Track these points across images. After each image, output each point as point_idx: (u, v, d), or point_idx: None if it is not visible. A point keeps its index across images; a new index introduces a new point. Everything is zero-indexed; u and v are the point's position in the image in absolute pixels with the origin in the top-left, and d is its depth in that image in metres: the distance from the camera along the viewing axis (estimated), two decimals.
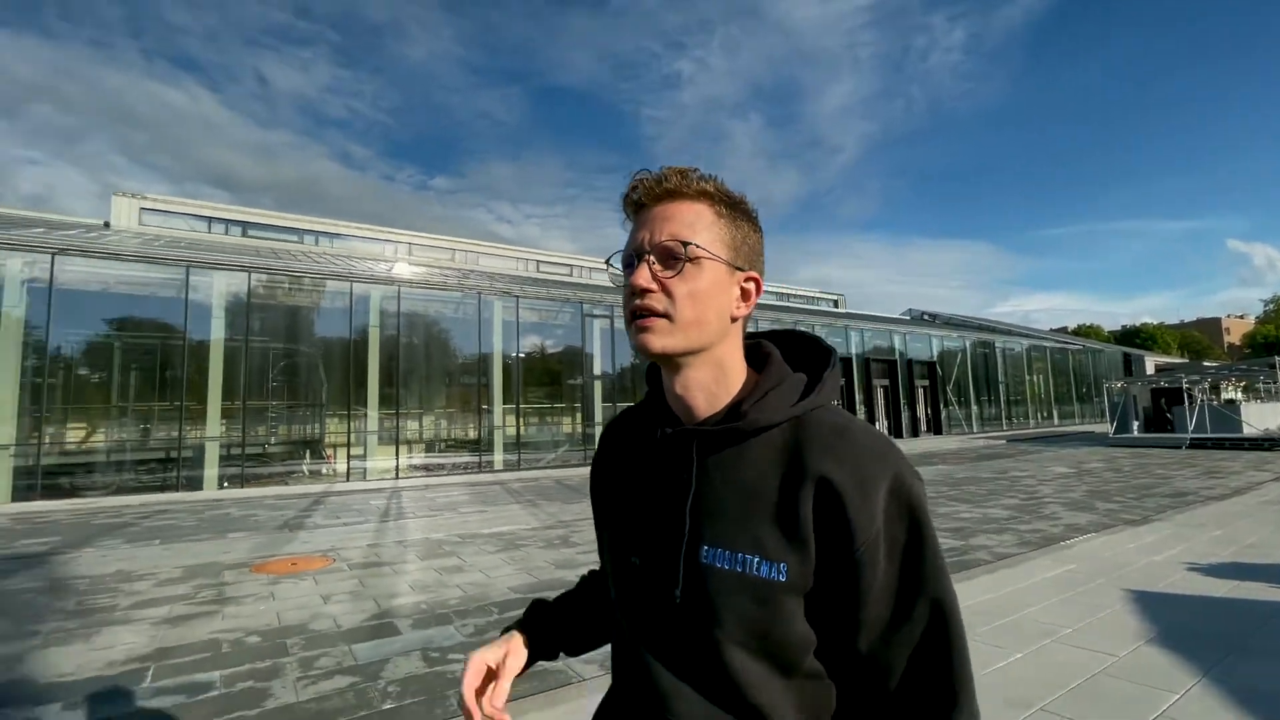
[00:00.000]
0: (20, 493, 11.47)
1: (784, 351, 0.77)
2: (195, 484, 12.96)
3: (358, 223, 27.56)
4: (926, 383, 25.15)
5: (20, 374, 12.06)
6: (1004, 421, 27.74)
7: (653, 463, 0.74)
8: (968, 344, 27.37)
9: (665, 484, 0.72)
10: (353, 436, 14.76)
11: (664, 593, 0.69)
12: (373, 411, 14.91)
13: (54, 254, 12.54)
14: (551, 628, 0.89)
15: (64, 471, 12.71)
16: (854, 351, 22.87)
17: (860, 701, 0.65)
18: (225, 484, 13.22)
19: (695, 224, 0.69)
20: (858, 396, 22.41)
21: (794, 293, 38.10)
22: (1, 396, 11.73)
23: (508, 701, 0.79)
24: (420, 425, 17.10)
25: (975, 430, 26.18)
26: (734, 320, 0.71)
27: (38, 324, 12.42)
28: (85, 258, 12.97)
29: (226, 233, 25.61)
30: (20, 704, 3.01)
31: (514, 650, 0.84)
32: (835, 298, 39.69)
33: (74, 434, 14.03)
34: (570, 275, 29.60)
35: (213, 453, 13.50)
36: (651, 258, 0.68)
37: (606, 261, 0.75)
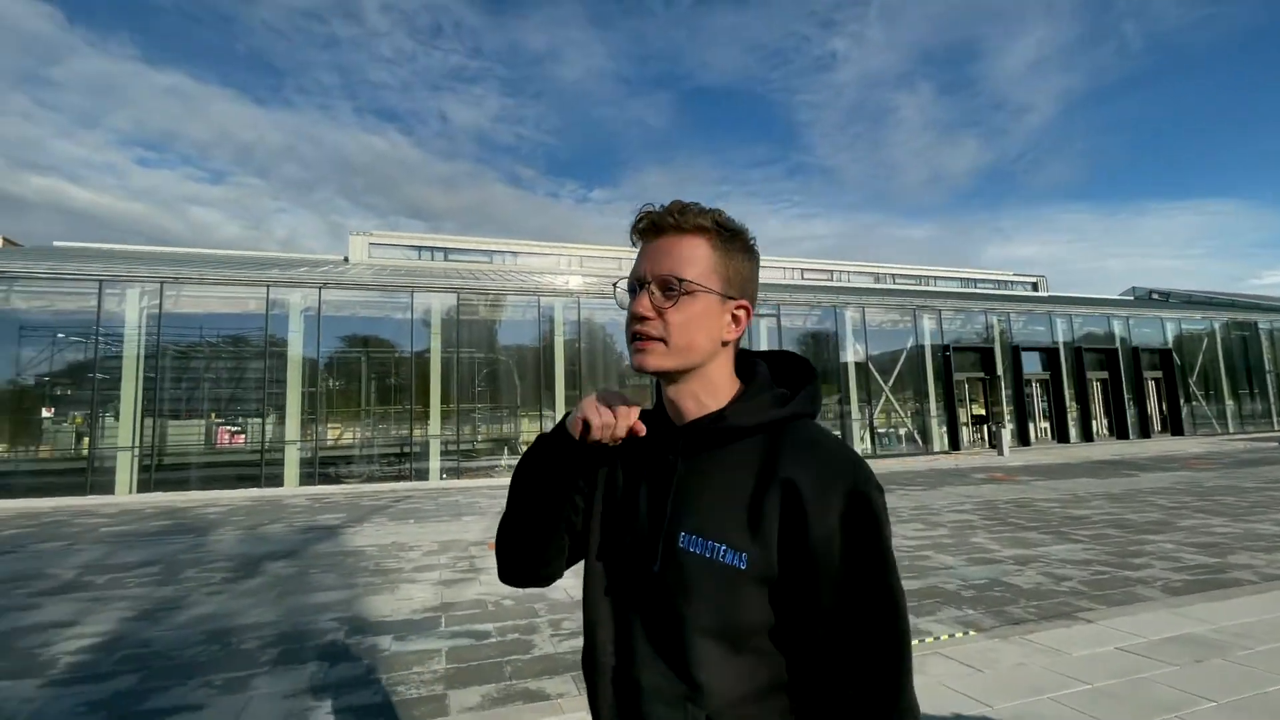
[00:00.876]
0: (304, 479, 14.43)
1: (775, 369, 0.86)
2: (422, 475, 15.26)
3: (531, 240, 30.33)
4: (1158, 374, 21.40)
5: (301, 385, 15.13)
6: (1275, 419, 22.64)
7: (647, 456, 0.83)
8: (1216, 326, 22.76)
9: (654, 474, 0.81)
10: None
11: (644, 568, 0.77)
12: (559, 412, 16.39)
13: (320, 287, 15.59)
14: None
15: (330, 462, 15.64)
16: (1060, 340, 20.21)
17: (808, 682, 0.70)
18: (444, 476, 15.45)
19: (691, 258, 0.76)
20: (1067, 393, 19.77)
21: (983, 277, 34.49)
22: (291, 403, 14.85)
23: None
24: None
25: (1231, 430, 21.72)
26: (724, 343, 0.80)
27: (310, 344, 15.51)
28: (340, 288, 15.93)
29: (433, 259, 29.70)
30: (365, 633, 4.02)
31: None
32: (1034, 280, 35.18)
33: (333, 432, 17.19)
34: None
35: (435, 448, 15.81)
36: (652, 287, 0.77)
37: (614, 285, 0.88)
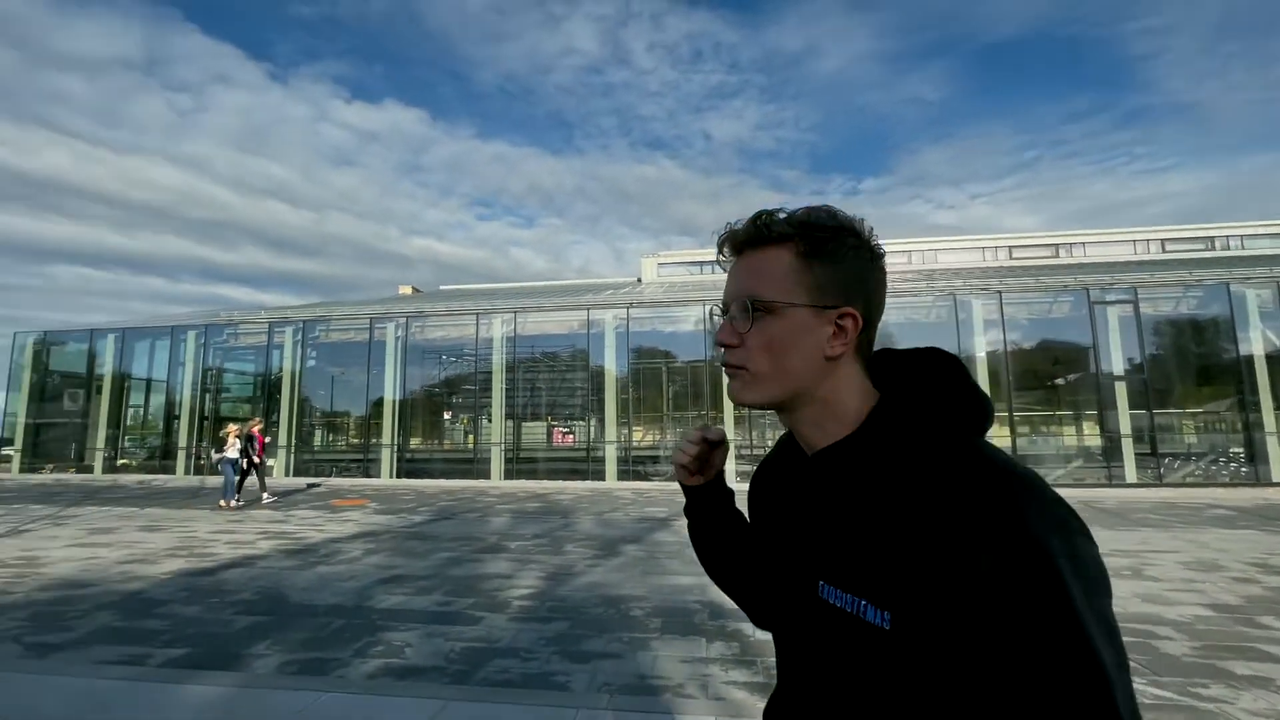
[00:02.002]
0: (621, 474, 16.49)
1: (924, 374, 0.69)
2: None
3: None
4: None
5: (614, 392, 17.33)
6: None
7: (791, 490, 0.76)
8: None
9: (795, 513, 0.73)
10: None
11: (795, 619, 0.71)
12: None
13: (627, 307, 17.70)
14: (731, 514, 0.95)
15: (640, 460, 17.45)
16: None
17: None
18: (739, 479, 16.12)
19: (770, 273, 0.68)
20: None
21: None
22: (608, 408, 17.15)
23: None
24: None
25: None
26: (830, 359, 0.68)
27: (620, 357, 17.68)
28: (641, 307, 17.86)
29: (713, 272, 31.32)
30: (726, 617, 4.47)
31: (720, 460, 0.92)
32: None
33: (638, 434, 19.14)
34: (1055, 257, 25.10)
35: (729, 452, 16.56)
36: (732, 311, 0.70)
37: (710, 313, 0.78)
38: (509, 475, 16.63)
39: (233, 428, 11.44)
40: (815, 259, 0.67)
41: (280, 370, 18.60)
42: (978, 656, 0.52)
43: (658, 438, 18.96)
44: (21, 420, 19.65)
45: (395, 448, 17.20)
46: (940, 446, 0.61)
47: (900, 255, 27.18)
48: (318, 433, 20.59)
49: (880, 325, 0.71)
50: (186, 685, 3.25)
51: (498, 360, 17.86)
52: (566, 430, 19.44)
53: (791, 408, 0.70)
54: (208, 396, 19.44)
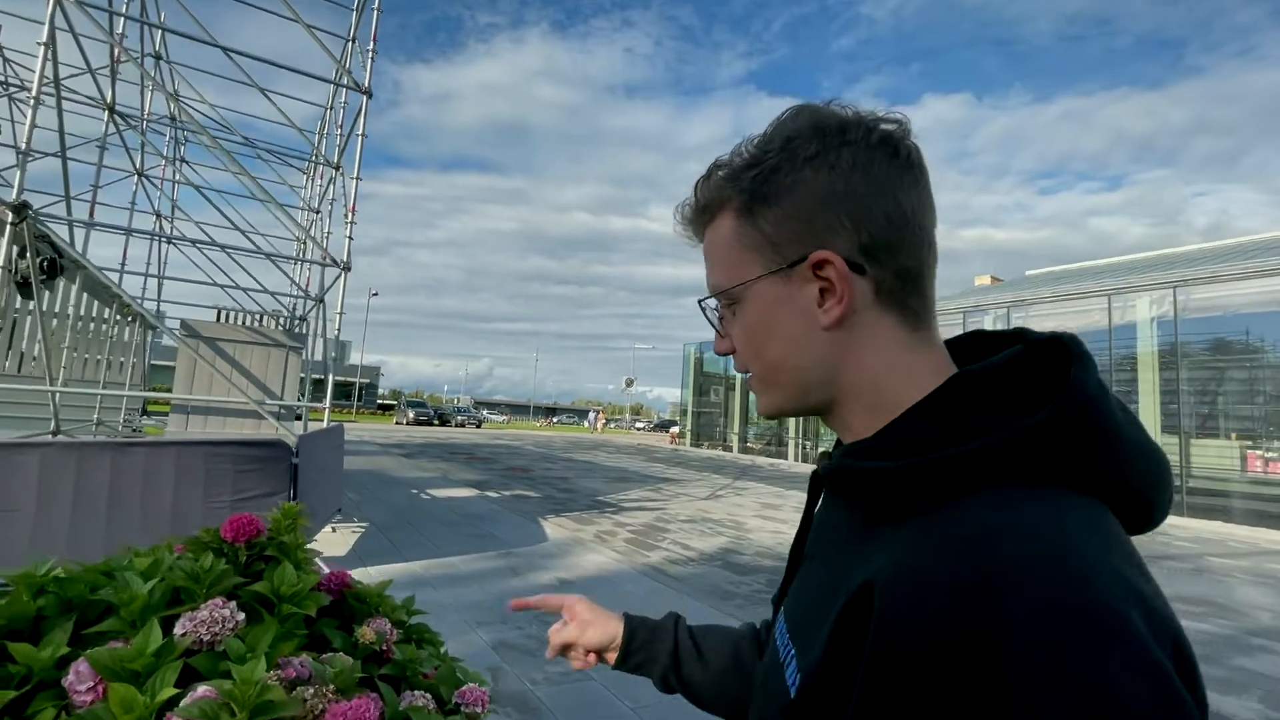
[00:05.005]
0: None
1: (1034, 367, 0.44)
2: None
3: None
4: None
5: None
6: None
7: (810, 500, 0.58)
8: None
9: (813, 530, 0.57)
10: None
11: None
12: None
13: None
14: (665, 640, 0.78)
15: None
16: None
17: None
18: None
19: (718, 253, 0.52)
20: None
21: None
22: None
23: None
24: None
25: None
26: (829, 330, 0.46)
27: None
28: None
29: None
30: None
31: (600, 624, 0.82)
32: None
33: None
34: None
35: None
36: (708, 312, 0.56)
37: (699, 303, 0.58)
38: (1178, 510, 12.12)
39: None
40: (756, 208, 0.48)
41: None
42: None
43: None
44: (691, 409, 26.94)
45: None
46: (970, 488, 0.38)
47: None
48: None
49: None
50: None
51: (1145, 351, 13.43)
52: (1276, 456, 12.94)
53: (820, 405, 0.50)
54: None
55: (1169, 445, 12.74)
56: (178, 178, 9.46)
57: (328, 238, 7.16)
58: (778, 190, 0.46)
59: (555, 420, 72.42)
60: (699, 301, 0.56)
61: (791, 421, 21.28)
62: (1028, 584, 0.31)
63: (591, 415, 45.77)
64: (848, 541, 0.45)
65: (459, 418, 36.06)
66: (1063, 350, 0.43)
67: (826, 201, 0.45)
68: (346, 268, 5.69)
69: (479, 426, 36.37)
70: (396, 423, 33.91)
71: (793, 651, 0.46)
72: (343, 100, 7.49)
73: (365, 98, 6.05)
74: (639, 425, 58.27)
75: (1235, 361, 13.50)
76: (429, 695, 1.07)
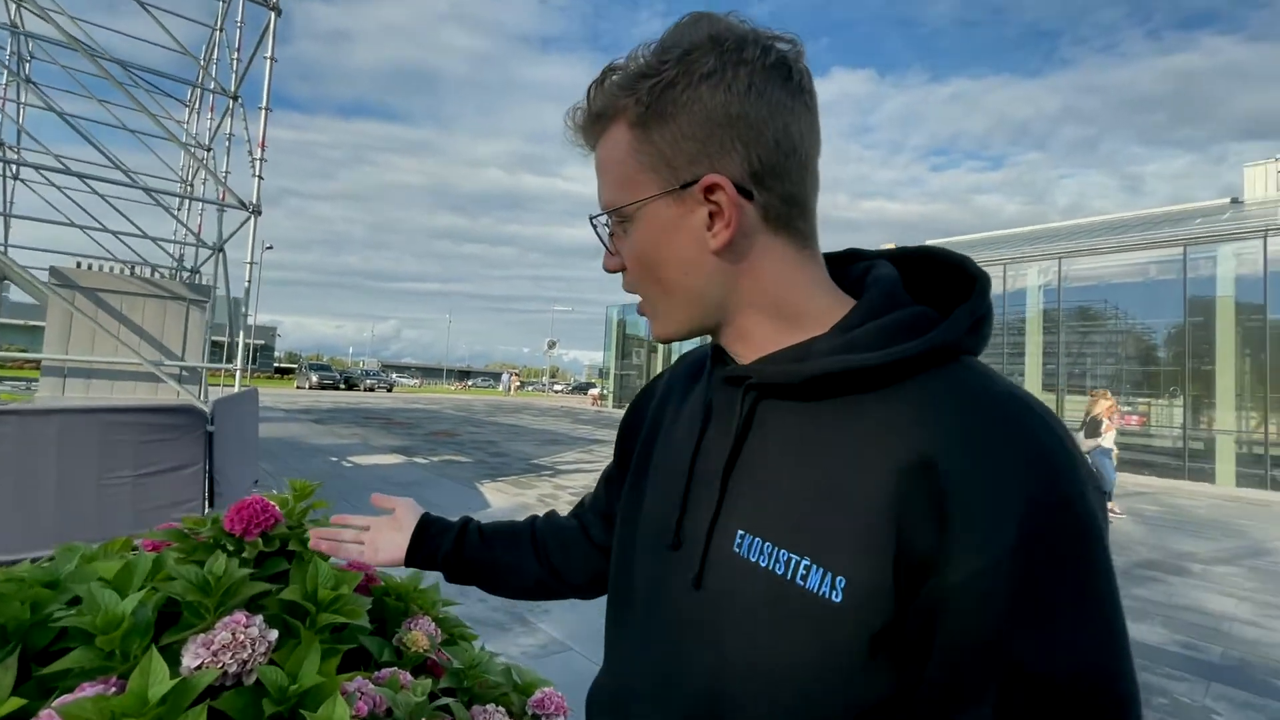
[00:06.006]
0: (1241, 479, 11.45)
1: (915, 277, 0.52)
2: None
3: None
4: None
5: (1235, 360, 12.08)
6: None
7: (699, 411, 0.56)
8: None
9: (708, 440, 0.53)
10: None
11: (678, 577, 0.51)
12: None
13: (1264, 235, 11.98)
14: (452, 538, 0.81)
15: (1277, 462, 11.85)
16: None
17: None
18: None
19: (611, 165, 0.50)
20: None
21: None
22: (1221, 386, 12.06)
23: None
24: None
25: None
26: (719, 254, 0.48)
27: (1248, 310, 12.17)
28: None
29: None
30: None
31: (399, 522, 0.82)
32: None
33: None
34: None
35: None
36: (598, 230, 0.55)
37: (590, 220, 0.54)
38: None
39: (1105, 402, 6.95)
40: (652, 122, 0.47)
41: None
42: (979, 634, 0.37)
43: None
44: (614, 371, 26.95)
45: None
46: (944, 365, 0.44)
47: None
48: None
49: None
50: None
51: (1033, 316, 14.76)
52: (1130, 409, 14.77)
53: (713, 324, 0.52)
54: None
55: (1049, 399, 14.15)
56: (25, 99, 7.96)
57: (226, 177, 6.27)
58: (675, 106, 0.46)
59: (470, 384, 70.50)
60: (590, 218, 0.54)
61: None
62: (1062, 441, 0.40)
63: (505, 378, 45.09)
64: (842, 438, 0.44)
65: (368, 381, 34.20)
66: (931, 261, 0.53)
67: (721, 123, 0.45)
68: (256, 211, 5.01)
69: (390, 390, 34.71)
70: (298, 387, 31.72)
71: (799, 560, 0.42)
72: (237, 19, 6.48)
73: (273, 14, 5.25)
74: (557, 388, 57.93)
75: (1097, 327, 15.13)
76: (502, 710, 0.90)
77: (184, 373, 5.04)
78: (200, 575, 0.77)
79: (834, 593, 0.40)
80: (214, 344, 6.54)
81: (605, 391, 28.16)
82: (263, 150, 5.25)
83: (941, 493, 0.38)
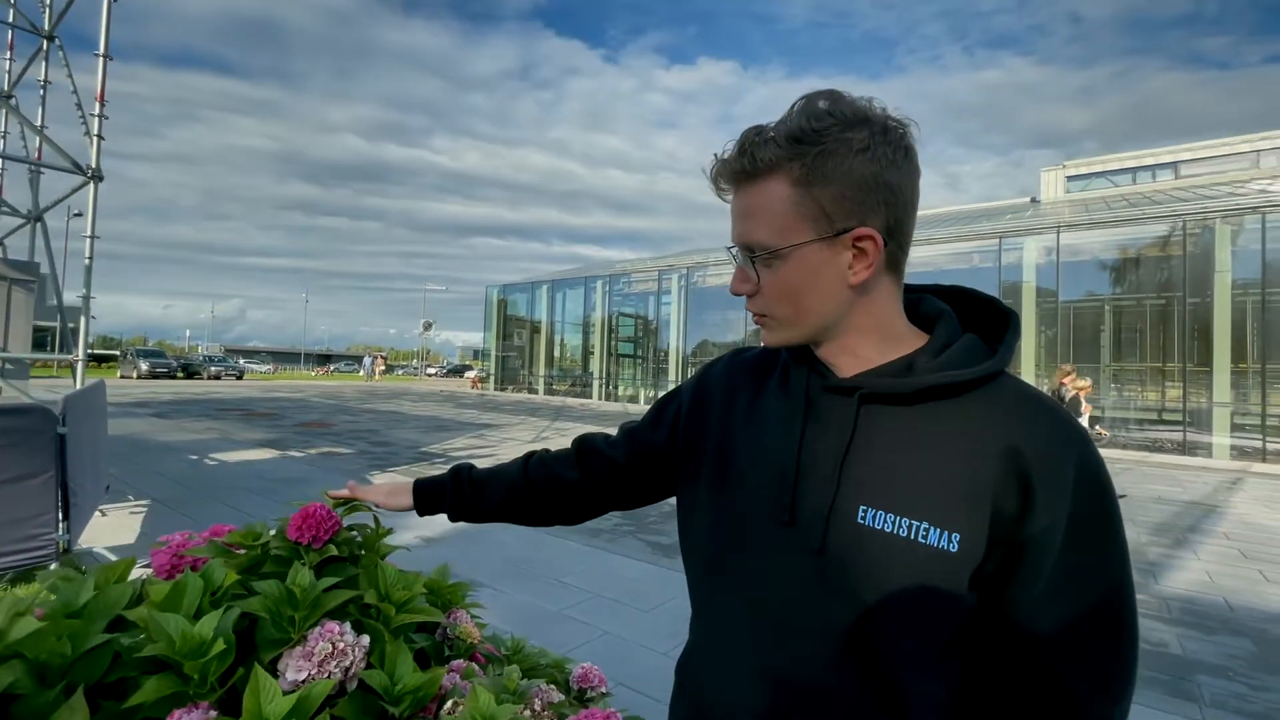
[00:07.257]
0: None
1: (957, 310, 0.69)
2: (1200, 450, 12.10)
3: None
4: None
5: (1036, 340, 14.28)
6: None
7: (796, 411, 0.67)
8: None
9: (810, 435, 0.65)
10: None
11: (795, 547, 0.63)
12: None
13: (1057, 230, 14.24)
14: (453, 488, 0.94)
15: None
16: None
17: (1014, 684, 0.60)
18: (1234, 455, 11.84)
19: (768, 213, 0.61)
20: None
21: None
22: (1024, 362, 14.26)
23: None
24: None
25: None
26: (854, 288, 0.62)
27: (1045, 294, 14.42)
28: (1075, 230, 14.18)
29: (1135, 182, 23.84)
30: None
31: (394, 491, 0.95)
32: None
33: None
34: None
35: (1221, 420, 12.28)
36: (739, 258, 0.66)
37: (728, 249, 0.67)
38: None
39: (1082, 382, 6.85)
40: (815, 183, 0.59)
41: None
42: (1046, 566, 0.56)
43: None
44: (494, 353, 26.13)
45: None
46: (1009, 382, 0.62)
47: None
48: None
49: None
50: None
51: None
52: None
53: (823, 339, 0.66)
54: (611, 336, 22.71)
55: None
56: None
57: (43, 132, 5.26)
58: (835, 171, 0.58)
59: (333, 368, 64.84)
60: (728, 248, 0.66)
61: (595, 363, 21.99)
62: (1086, 431, 0.61)
63: (367, 361, 38.71)
64: (940, 432, 0.60)
65: (213, 368, 30.22)
66: (964, 296, 0.71)
67: (872, 187, 0.59)
68: (97, 176, 4.31)
69: (240, 378, 31.01)
70: (123, 377, 27.37)
71: (919, 524, 0.57)
72: None
73: None
74: (430, 371, 55.07)
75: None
76: (553, 687, 0.99)
77: (9, 367, 4.26)
78: (282, 589, 0.78)
79: (951, 545, 0.56)
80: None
81: (486, 373, 27.27)
82: (101, 104, 4.50)
83: (1026, 471, 0.56)
